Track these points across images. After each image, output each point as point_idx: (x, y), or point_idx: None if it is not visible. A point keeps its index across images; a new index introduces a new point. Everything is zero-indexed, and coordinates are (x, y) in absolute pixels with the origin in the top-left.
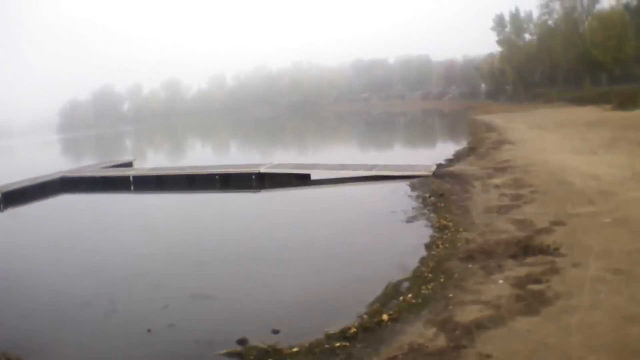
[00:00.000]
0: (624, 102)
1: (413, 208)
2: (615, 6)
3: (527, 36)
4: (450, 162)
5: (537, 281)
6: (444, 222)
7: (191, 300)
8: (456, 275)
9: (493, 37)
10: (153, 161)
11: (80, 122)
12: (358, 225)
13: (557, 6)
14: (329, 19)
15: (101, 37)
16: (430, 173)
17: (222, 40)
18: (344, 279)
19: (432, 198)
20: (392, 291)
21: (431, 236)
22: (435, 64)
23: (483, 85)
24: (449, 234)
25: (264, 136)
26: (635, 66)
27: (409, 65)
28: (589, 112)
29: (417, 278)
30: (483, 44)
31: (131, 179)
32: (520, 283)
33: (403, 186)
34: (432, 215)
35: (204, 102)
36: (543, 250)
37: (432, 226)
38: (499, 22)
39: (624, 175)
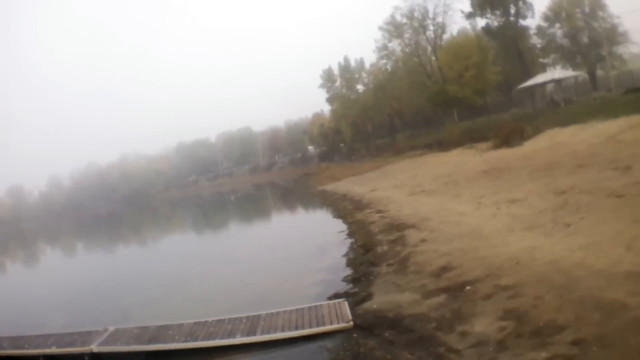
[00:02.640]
0: (509, 138)
1: None
2: (466, 33)
3: (360, 87)
4: (356, 283)
5: None
6: None
7: None
8: None
9: (321, 95)
10: None
11: None
12: None
13: (396, 46)
14: (149, 105)
15: None
16: (350, 324)
17: (57, 139)
18: None
19: None
20: None
21: None
22: (258, 135)
23: (311, 148)
24: None
25: (86, 249)
26: (496, 94)
27: (232, 141)
28: (466, 158)
29: None
30: (306, 107)
31: None
32: None
33: None
34: None
35: (46, 206)
36: None
37: None
38: (328, 78)
39: None
